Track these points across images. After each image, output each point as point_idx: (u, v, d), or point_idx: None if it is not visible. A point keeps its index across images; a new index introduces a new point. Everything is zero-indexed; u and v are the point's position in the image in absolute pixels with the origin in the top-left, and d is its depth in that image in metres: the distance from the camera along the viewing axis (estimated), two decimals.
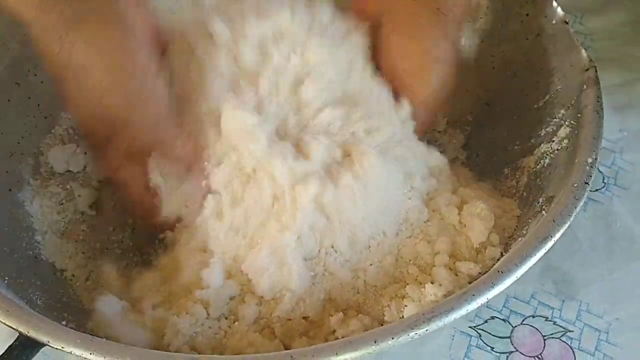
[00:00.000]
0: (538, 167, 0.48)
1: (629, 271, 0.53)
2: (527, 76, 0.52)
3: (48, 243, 0.49)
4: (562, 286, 0.52)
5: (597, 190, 0.57)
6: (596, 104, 0.45)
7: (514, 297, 0.51)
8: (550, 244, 0.38)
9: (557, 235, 0.38)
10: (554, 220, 0.39)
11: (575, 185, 0.40)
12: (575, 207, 0.39)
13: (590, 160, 0.42)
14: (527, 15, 0.52)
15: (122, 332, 0.40)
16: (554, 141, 0.47)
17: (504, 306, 0.51)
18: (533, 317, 0.51)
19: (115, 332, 0.40)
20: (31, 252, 0.47)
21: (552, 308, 0.51)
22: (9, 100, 0.51)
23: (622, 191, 0.57)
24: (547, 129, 0.48)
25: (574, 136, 0.45)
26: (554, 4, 0.50)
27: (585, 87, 0.46)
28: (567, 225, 0.39)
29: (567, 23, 0.49)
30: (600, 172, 0.58)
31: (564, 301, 0.52)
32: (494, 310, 0.51)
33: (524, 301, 0.51)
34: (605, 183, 0.58)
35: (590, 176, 0.41)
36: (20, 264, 0.44)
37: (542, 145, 0.48)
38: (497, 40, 0.55)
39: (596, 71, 0.46)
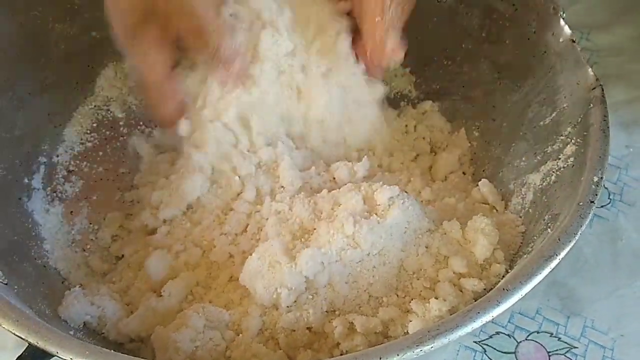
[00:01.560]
0: (544, 184, 0.48)
1: (635, 287, 0.53)
2: (534, 94, 0.53)
3: (56, 252, 0.49)
4: (567, 302, 0.52)
5: (602, 206, 0.57)
6: (602, 123, 0.45)
7: (519, 313, 0.52)
8: (555, 262, 0.38)
9: (563, 254, 0.38)
10: (559, 239, 0.39)
11: (581, 203, 0.41)
12: (581, 226, 0.39)
13: (596, 179, 0.42)
14: (534, 32, 0.52)
15: None
16: (560, 158, 0.47)
17: (509, 321, 0.51)
18: (538, 332, 0.51)
19: None
20: (40, 261, 0.48)
21: (557, 324, 0.51)
22: (19, 110, 0.52)
23: (628, 207, 0.57)
24: (554, 147, 0.49)
25: (580, 154, 0.45)
26: (562, 22, 0.50)
27: (591, 105, 0.46)
28: (572, 243, 0.39)
29: (574, 42, 0.49)
30: (606, 188, 0.58)
31: (569, 317, 0.52)
32: (499, 325, 0.51)
33: (529, 317, 0.52)
34: (610, 199, 0.58)
35: (596, 195, 0.41)
36: (29, 273, 0.45)
37: (548, 162, 0.48)
38: (508, 56, 0.55)
39: (602, 90, 0.46)
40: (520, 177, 0.51)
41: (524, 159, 0.52)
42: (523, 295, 0.37)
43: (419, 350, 0.33)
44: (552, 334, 0.51)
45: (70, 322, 0.42)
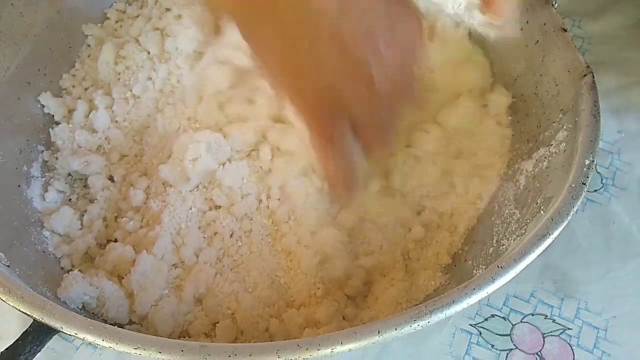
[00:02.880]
0: (536, 170, 0.49)
1: (627, 270, 0.54)
2: (526, 82, 0.54)
3: (54, 239, 0.50)
4: (561, 285, 0.53)
5: (595, 190, 0.58)
6: (593, 108, 0.46)
7: (514, 296, 0.52)
8: (548, 241, 0.39)
9: (556, 233, 0.39)
10: (552, 219, 0.40)
11: (573, 185, 0.42)
12: (573, 206, 0.41)
13: (587, 162, 0.43)
14: (527, 22, 0.53)
15: None
16: (552, 145, 0.48)
17: (504, 304, 0.52)
18: (532, 315, 0.52)
19: None
20: (39, 247, 0.48)
21: (552, 306, 0.52)
22: (19, 98, 0.52)
23: (620, 191, 0.58)
24: (546, 133, 0.50)
25: (572, 139, 0.46)
26: (553, 11, 0.51)
27: (582, 91, 0.47)
28: (565, 223, 0.40)
29: (565, 30, 0.50)
30: (598, 172, 0.59)
31: (562, 299, 0.52)
32: (494, 308, 0.52)
33: (524, 299, 0.52)
34: (603, 184, 0.59)
35: (588, 177, 0.42)
36: (29, 257, 0.45)
37: (540, 149, 0.49)
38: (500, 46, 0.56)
39: (593, 77, 0.47)
40: (513, 165, 0.52)
41: (517, 146, 0.53)
42: (517, 273, 0.37)
43: (417, 325, 0.34)
44: (546, 316, 0.52)
45: (70, 303, 0.42)
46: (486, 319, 0.51)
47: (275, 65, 0.41)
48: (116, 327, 0.41)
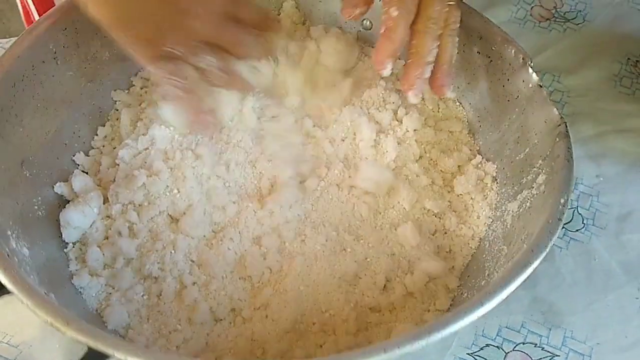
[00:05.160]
0: (521, 210, 0.54)
1: (607, 301, 0.59)
2: (510, 133, 0.59)
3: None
4: (548, 316, 0.58)
5: (577, 230, 0.64)
6: (567, 153, 0.51)
7: (506, 327, 0.58)
8: (530, 269, 0.44)
9: (536, 263, 0.45)
10: (532, 250, 0.45)
11: (550, 221, 0.47)
12: (551, 239, 0.46)
13: (562, 200, 0.48)
14: (508, 80, 0.59)
15: None
16: (533, 187, 0.54)
17: (497, 335, 0.57)
18: (523, 343, 0.57)
19: None
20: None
21: (540, 335, 0.57)
22: (57, 158, 0.60)
23: (600, 230, 0.64)
24: (528, 177, 0.55)
25: (550, 181, 0.51)
26: (530, 70, 0.57)
27: (557, 139, 0.53)
28: (544, 253, 0.45)
29: (541, 86, 0.56)
30: (580, 214, 0.65)
31: (550, 329, 0.57)
32: (489, 338, 0.57)
33: (515, 330, 0.57)
34: (584, 224, 0.64)
35: (563, 213, 0.48)
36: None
37: (524, 191, 0.55)
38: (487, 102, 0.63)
39: (566, 126, 0.53)
40: (501, 206, 0.57)
41: (504, 190, 0.58)
42: (503, 298, 0.43)
43: (418, 343, 0.40)
44: (536, 344, 0.57)
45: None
46: (482, 348, 0.56)
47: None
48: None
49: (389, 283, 0.55)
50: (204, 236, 0.56)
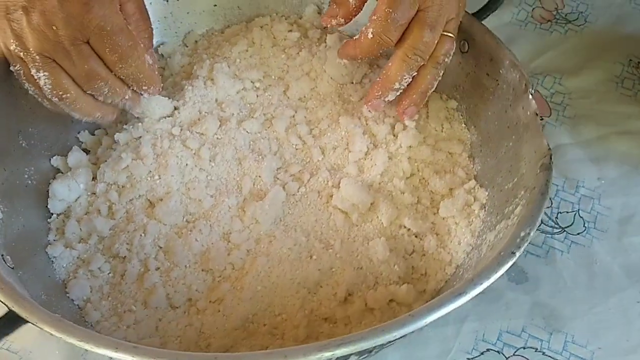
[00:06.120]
0: (495, 240, 0.52)
1: (609, 305, 0.58)
2: (505, 160, 0.57)
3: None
4: (549, 320, 0.57)
5: (578, 233, 0.62)
6: (543, 187, 0.49)
7: (507, 331, 0.57)
8: (461, 301, 0.43)
9: (472, 293, 0.43)
10: (472, 279, 0.44)
11: (502, 253, 0.45)
12: (495, 272, 0.44)
13: (523, 234, 0.46)
14: (510, 106, 0.58)
15: None
16: (510, 218, 0.51)
17: (497, 339, 0.56)
18: (524, 348, 0.56)
19: None
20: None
21: (541, 340, 0.56)
22: None
23: (601, 233, 0.62)
24: (509, 208, 0.53)
25: (520, 214, 0.49)
26: (530, 97, 0.55)
27: (539, 171, 0.50)
28: (483, 286, 0.43)
29: (537, 114, 0.54)
30: (581, 217, 0.63)
31: (551, 334, 0.56)
32: (489, 343, 0.56)
33: (516, 334, 0.57)
34: (585, 227, 0.62)
35: (520, 247, 0.45)
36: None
37: (502, 221, 0.52)
38: (490, 126, 0.61)
39: (551, 157, 0.51)
40: (482, 235, 0.55)
41: (488, 219, 0.56)
42: (419, 327, 0.41)
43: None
44: (536, 349, 0.56)
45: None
46: (482, 353, 0.55)
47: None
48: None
49: (350, 297, 0.54)
50: (176, 224, 0.57)
